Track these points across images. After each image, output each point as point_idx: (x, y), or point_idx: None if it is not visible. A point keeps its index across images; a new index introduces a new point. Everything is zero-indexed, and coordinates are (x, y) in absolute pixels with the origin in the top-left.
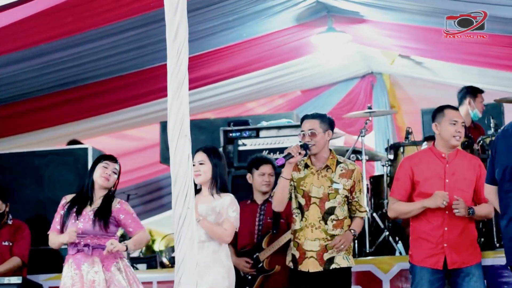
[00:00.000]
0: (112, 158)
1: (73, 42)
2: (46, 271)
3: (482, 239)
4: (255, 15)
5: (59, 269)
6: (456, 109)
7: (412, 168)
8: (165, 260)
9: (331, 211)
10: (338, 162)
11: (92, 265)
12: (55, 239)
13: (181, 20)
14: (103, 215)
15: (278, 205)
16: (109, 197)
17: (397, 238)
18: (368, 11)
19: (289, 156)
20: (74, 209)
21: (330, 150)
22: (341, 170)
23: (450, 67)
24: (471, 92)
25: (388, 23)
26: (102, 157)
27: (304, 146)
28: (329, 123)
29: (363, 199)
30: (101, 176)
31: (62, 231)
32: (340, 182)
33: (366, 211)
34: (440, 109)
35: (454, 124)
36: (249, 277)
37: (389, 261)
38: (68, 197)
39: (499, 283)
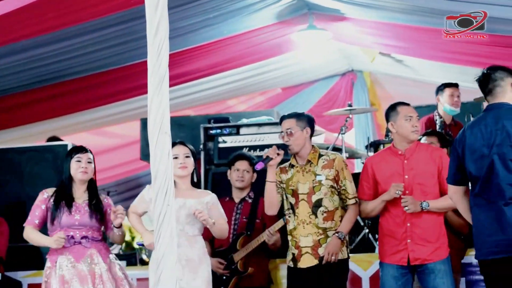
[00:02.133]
0: (82, 149)
1: (53, 38)
2: (25, 268)
3: (462, 237)
4: (236, 12)
5: (38, 266)
6: (408, 104)
7: (373, 168)
8: (144, 257)
9: (318, 203)
10: (320, 155)
11: (91, 258)
12: (36, 236)
13: (161, 16)
14: (99, 208)
15: (269, 208)
16: (95, 189)
17: (376, 236)
18: (348, 9)
19: (267, 159)
20: (63, 203)
21: (313, 146)
22: (323, 162)
23: (430, 65)
24: (439, 88)
25: (369, 21)
26: (73, 151)
27: (281, 146)
28: (307, 121)
29: (351, 186)
30: (78, 172)
31: (53, 223)
32: (322, 174)
33: (355, 197)
34: (393, 108)
35: (410, 119)
36: (224, 277)
37: (368, 259)
38: (49, 191)
39: (477, 281)
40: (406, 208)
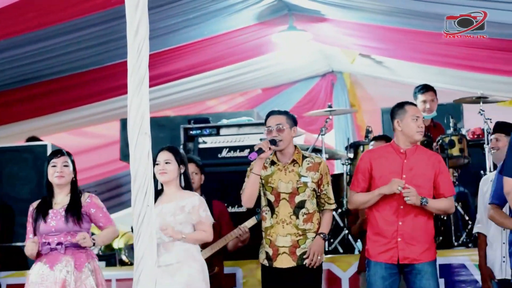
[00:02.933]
0: (57, 153)
1: (33, 38)
2: (6, 268)
3: (441, 238)
4: (216, 12)
5: (19, 267)
6: (415, 105)
7: (371, 162)
8: (124, 258)
9: (301, 204)
10: (304, 157)
11: (64, 265)
12: (26, 251)
13: (142, 17)
14: (75, 210)
15: (248, 201)
16: (76, 191)
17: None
18: (329, 10)
19: (261, 151)
20: (43, 212)
21: (295, 145)
22: (308, 164)
23: (410, 67)
24: (414, 92)
25: (349, 22)
26: (49, 156)
27: (272, 142)
28: (293, 120)
29: (331, 192)
30: (54, 177)
31: (35, 234)
32: (308, 176)
33: (334, 203)
34: (401, 106)
35: (417, 119)
36: None
37: (348, 260)
38: (35, 204)
39: (456, 282)
40: (407, 198)
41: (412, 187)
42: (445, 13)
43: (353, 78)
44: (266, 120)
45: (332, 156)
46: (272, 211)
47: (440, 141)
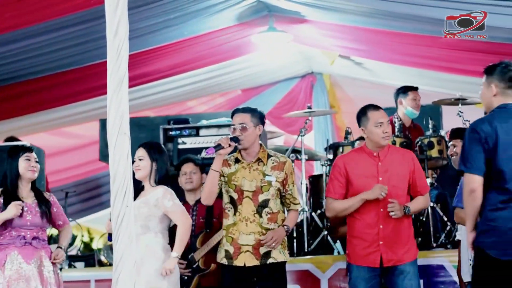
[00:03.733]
0: (30, 149)
1: (12, 38)
2: None
3: (420, 239)
4: (196, 13)
5: None
6: (378, 108)
7: (346, 167)
8: (103, 258)
9: (265, 203)
10: (269, 155)
11: (41, 260)
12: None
13: (121, 17)
14: (47, 207)
15: (207, 198)
16: (38, 188)
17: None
18: (309, 11)
19: (219, 147)
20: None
21: (261, 144)
22: (273, 163)
23: (389, 68)
24: (401, 91)
25: (329, 23)
26: (20, 150)
27: (234, 139)
28: (260, 118)
29: (296, 192)
30: (28, 170)
31: (4, 224)
32: (272, 175)
33: (300, 203)
34: (363, 112)
35: (380, 125)
36: (185, 277)
37: (327, 260)
38: None
39: (435, 283)
40: (393, 213)
41: (395, 200)
42: (425, 15)
43: (333, 79)
44: (232, 117)
45: (312, 157)
46: (235, 209)
47: (419, 142)
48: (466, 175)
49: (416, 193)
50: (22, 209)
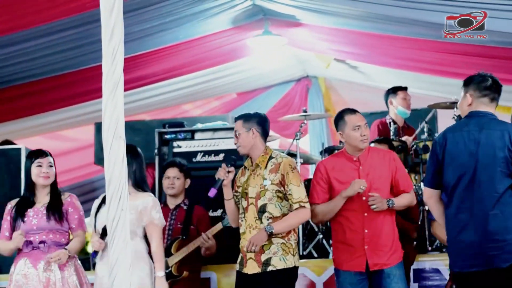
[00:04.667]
0: (42, 153)
1: (8, 41)
2: None
3: (415, 243)
4: (192, 17)
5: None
6: (355, 112)
7: (328, 173)
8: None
9: (263, 209)
10: (270, 158)
11: (47, 264)
12: (5, 246)
13: (117, 20)
14: (56, 208)
15: (232, 223)
16: (57, 191)
17: (330, 241)
18: (304, 15)
19: (219, 181)
20: (22, 211)
21: (266, 147)
22: (271, 166)
23: (384, 72)
24: (391, 91)
25: (324, 27)
26: (32, 156)
27: (228, 163)
28: (256, 121)
29: (297, 191)
30: (39, 177)
31: (14, 231)
32: (268, 178)
33: (299, 201)
34: (340, 117)
35: (358, 128)
36: None
37: (322, 264)
38: (13, 202)
39: (430, 286)
40: (374, 206)
41: (376, 193)
42: (420, 19)
43: (328, 83)
44: None
45: (307, 161)
46: (244, 217)
47: (415, 146)
48: (423, 186)
49: (400, 192)
50: (28, 216)
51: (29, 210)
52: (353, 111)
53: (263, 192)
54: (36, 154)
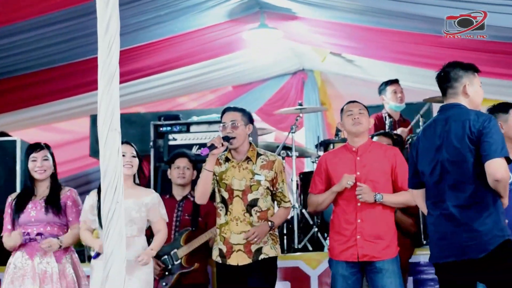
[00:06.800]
0: (36, 147)
1: (2, 33)
2: None
3: (410, 236)
4: (187, 9)
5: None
6: (354, 102)
7: (327, 164)
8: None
9: (254, 203)
10: (258, 154)
11: (44, 256)
12: (8, 241)
13: (112, 13)
14: (55, 201)
15: (200, 197)
16: (56, 184)
17: (325, 235)
18: (300, 8)
19: (212, 147)
20: (22, 202)
21: (250, 143)
22: (262, 162)
23: (380, 65)
24: (382, 87)
25: (320, 20)
26: (29, 150)
27: (225, 139)
28: (249, 117)
29: (287, 190)
30: (34, 171)
31: (13, 228)
32: (261, 174)
33: (290, 201)
34: (342, 109)
35: (350, 113)
36: (166, 272)
37: (317, 257)
38: (14, 195)
39: (425, 280)
40: (360, 196)
41: (364, 185)
42: (417, 13)
43: (324, 77)
44: (221, 116)
45: (302, 154)
46: (226, 208)
47: (410, 139)
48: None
49: (398, 189)
50: (27, 208)
51: (29, 202)
52: (353, 101)
53: (256, 187)
54: (30, 149)
